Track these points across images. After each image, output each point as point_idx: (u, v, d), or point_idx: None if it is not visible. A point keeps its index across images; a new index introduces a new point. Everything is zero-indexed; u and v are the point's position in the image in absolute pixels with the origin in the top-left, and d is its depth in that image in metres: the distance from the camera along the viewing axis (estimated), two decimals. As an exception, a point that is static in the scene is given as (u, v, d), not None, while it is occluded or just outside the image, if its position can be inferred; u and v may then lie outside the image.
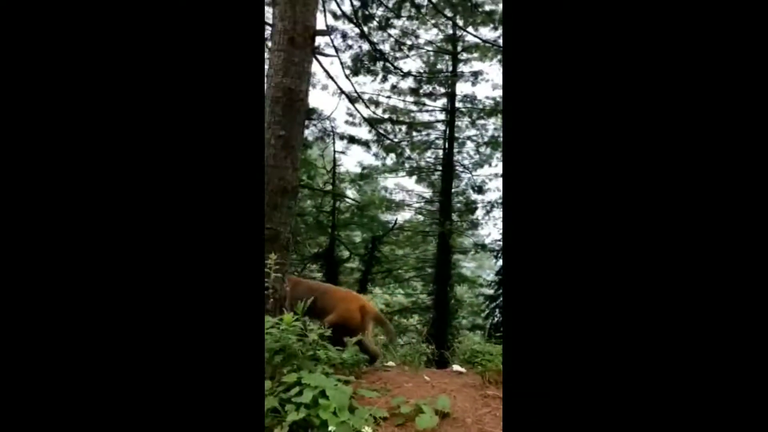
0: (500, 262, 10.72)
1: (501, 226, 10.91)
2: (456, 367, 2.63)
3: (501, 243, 10.71)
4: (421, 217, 11.58)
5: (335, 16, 8.09)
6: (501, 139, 10.56)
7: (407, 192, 11.45)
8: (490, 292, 10.68)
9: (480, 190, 10.54)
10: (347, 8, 7.69)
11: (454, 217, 10.45)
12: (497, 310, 10.22)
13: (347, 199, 9.14)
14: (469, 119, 10.43)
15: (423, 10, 8.38)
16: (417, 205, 11.46)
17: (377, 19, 8.18)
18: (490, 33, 8.71)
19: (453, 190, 10.50)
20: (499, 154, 10.50)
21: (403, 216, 11.60)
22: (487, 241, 11.10)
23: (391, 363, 2.67)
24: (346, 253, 9.16)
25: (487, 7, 7.95)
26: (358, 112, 9.00)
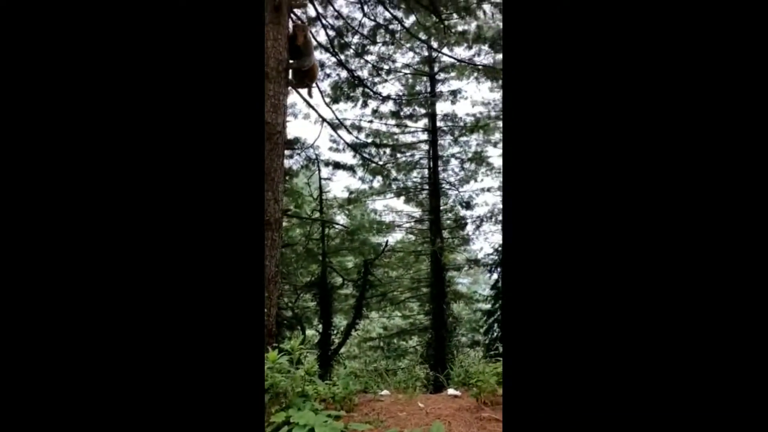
0: (495, 276, 10.72)
1: (492, 241, 10.93)
2: (451, 391, 2.58)
3: (493, 257, 10.75)
4: (412, 237, 11.57)
5: (312, 47, 8.22)
6: (484, 154, 10.74)
7: (397, 213, 11.47)
8: (487, 306, 10.63)
9: (468, 205, 10.61)
10: (322, 38, 7.84)
11: (445, 234, 10.47)
12: (495, 324, 10.14)
13: (336, 225, 9.10)
14: (452, 137, 10.56)
15: (397, 36, 8.56)
16: (407, 225, 11.47)
17: (353, 47, 8.33)
18: (464, 52, 8.91)
19: (441, 208, 10.54)
20: (484, 169, 10.64)
21: (395, 237, 11.58)
22: (480, 255, 11.10)
23: (385, 392, 2.61)
24: (339, 280, 9.08)
25: (460, 28, 8.16)
26: (341, 138, 9.07)
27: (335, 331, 8.83)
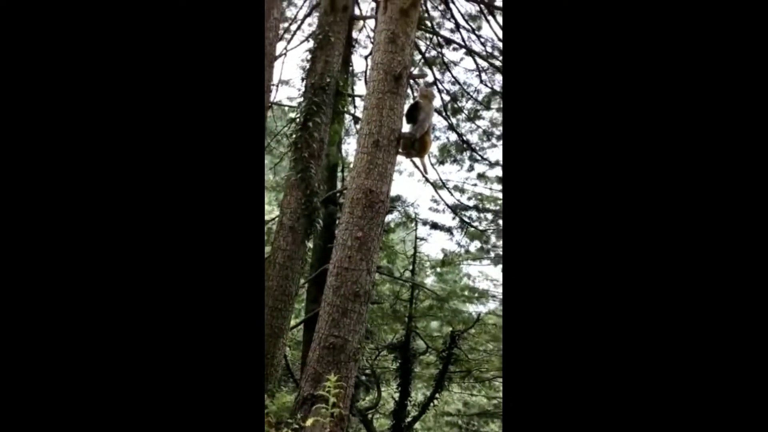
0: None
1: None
2: None
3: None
4: (506, 310, 10.73)
5: (425, 109, 8.36)
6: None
7: (492, 281, 10.80)
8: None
9: (574, 285, 9.60)
10: (437, 102, 7.93)
11: (544, 313, 9.51)
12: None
13: (427, 290, 8.78)
14: (562, 209, 9.84)
15: (513, 102, 8.37)
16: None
17: (466, 112, 8.31)
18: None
19: (543, 283, 9.67)
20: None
21: (488, 306, 10.83)
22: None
23: None
24: (422, 345, 8.62)
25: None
26: (442, 199, 8.91)
27: (413, 402, 8.29)
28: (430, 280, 10.73)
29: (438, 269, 10.15)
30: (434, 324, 9.58)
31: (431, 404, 8.41)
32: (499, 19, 7.06)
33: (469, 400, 10.83)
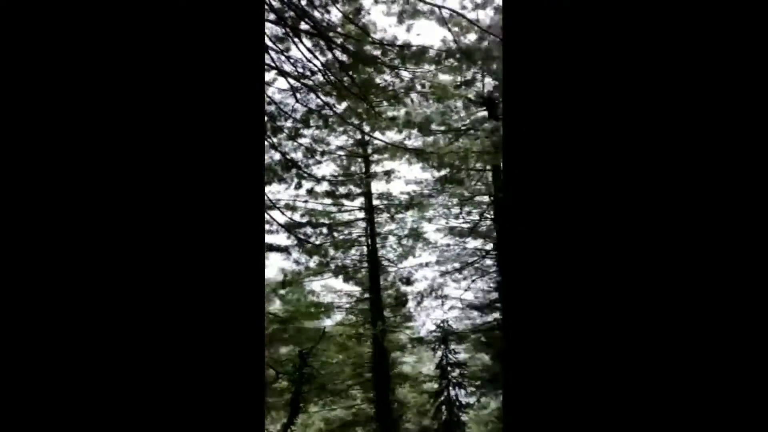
0: (439, 354, 10.43)
1: (434, 317, 10.76)
2: None
3: (436, 334, 10.51)
4: (353, 318, 11.11)
5: (243, 131, 8.12)
6: (420, 230, 10.88)
7: (335, 293, 11.06)
8: (434, 386, 10.17)
9: (408, 281, 10.53)
10: (254, 123, 7.79)
11: (387, 313, 10.16)
12: (443, 407, 9.65)
13: (269, 314, 8.50)
14: (388, 214, 10.68)
15: (330, 120, 8.75)
16: (348, 305, 11.05)
17: (286, 131, 8.36)
18: (395, 136, 9.24)
19: (381, 285, 10.35)
20: (421, 245, 10.76)
21: (335, 318, 11.05)
22: (423, 333, 10.87)
23: None
24: (271, 373, 8.29)
25: (390, 113, 8.51)
26: (274, 219, 8.78)
27: (269, 435, 7.89)
28: (275, 306, 10.42)
29: (280, 291, 9.93)
30: (283, 350, 9.33)
31: (289, 431, 8.14)
32: (306, 41, 7.32)
33: (329, 415, 10.82)
